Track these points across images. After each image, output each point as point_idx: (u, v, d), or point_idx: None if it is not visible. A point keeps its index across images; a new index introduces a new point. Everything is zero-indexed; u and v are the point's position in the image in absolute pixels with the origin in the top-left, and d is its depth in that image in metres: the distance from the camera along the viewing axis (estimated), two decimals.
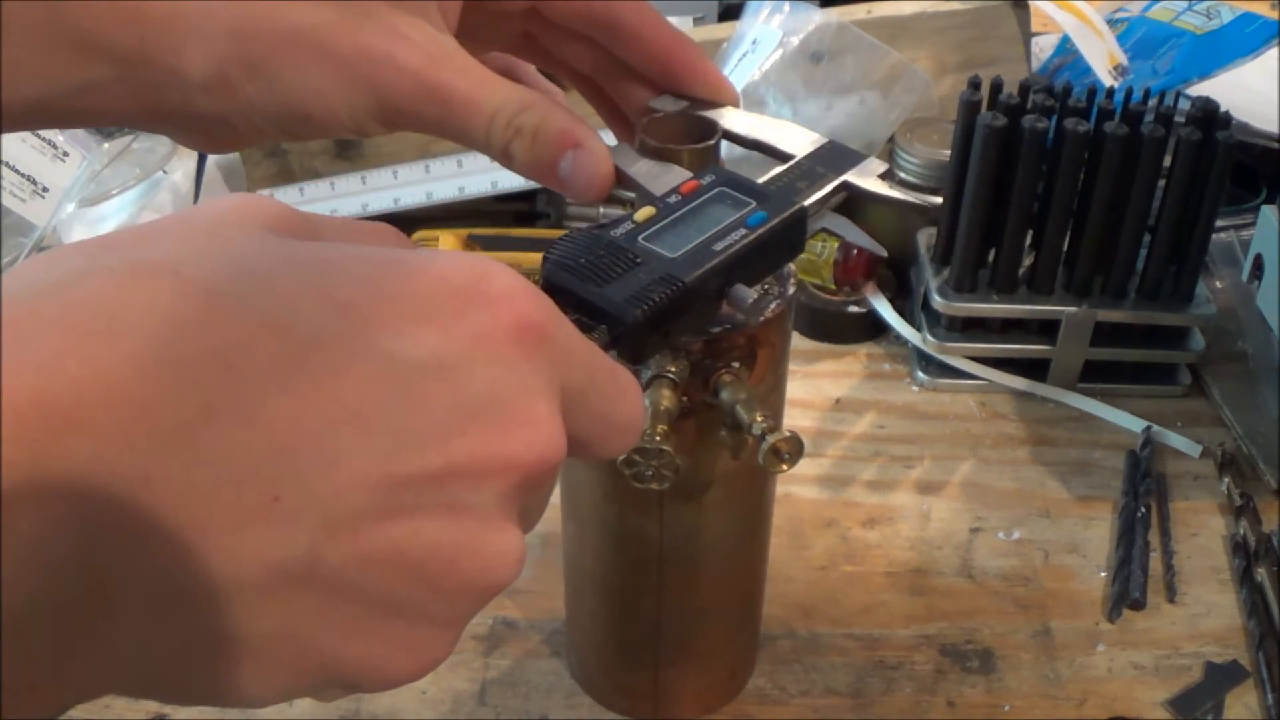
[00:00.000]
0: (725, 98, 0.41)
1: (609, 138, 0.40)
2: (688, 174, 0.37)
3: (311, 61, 0.34)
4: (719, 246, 0.33)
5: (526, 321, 0.26)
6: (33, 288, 0.22)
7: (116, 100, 0.35)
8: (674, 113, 0.41)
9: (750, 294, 0.34)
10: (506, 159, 0.36)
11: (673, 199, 0.35)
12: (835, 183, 0.38)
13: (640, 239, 0.33)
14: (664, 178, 0.37)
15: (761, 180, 0.38)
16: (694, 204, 0.35)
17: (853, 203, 0.84)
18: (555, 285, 0.31)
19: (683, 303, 0.32)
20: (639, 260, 0.32)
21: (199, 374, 0.21)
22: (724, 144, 0.41)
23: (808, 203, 0.37)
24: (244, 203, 0.26)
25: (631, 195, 0.37)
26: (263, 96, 0.34)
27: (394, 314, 0.24)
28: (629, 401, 0.29)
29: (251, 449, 0.22)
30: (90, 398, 0.20)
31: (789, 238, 0.36)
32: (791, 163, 0.39)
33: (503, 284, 0.26)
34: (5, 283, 0.22)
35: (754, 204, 0.35)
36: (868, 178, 0.39)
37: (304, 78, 0.34)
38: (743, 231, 0.34)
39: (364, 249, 0.26)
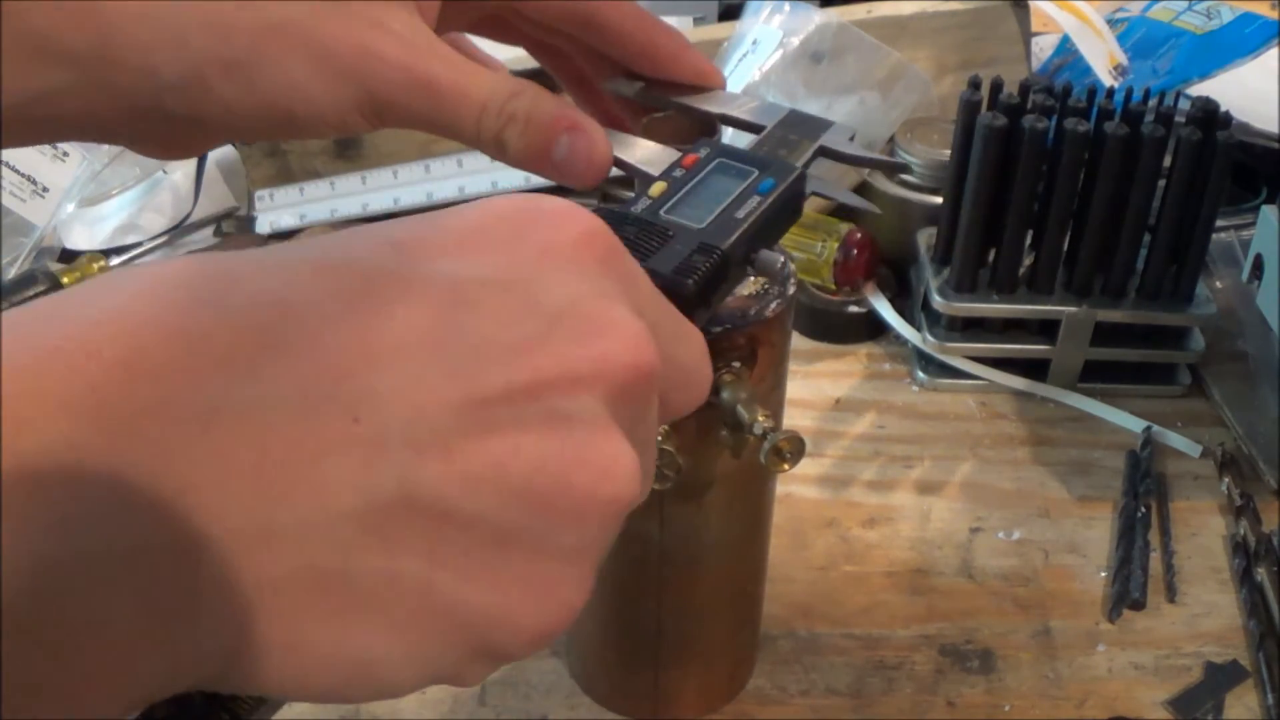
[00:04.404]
0: (713, 82, 0.41)
1: None
2: (678, 153, 0.38)
3: (294, 56, 0.33)
4: (741, 214, 0.34)
5: (591, 231, 0.25)
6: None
7: (78, 107, 0.33)
8: (673, 114, 0.41)
9: (778, 257, 0.35)
10: (499, 149, 0.35)
11: (678, 173, 0.36)
12: (814, 148, 0.40)
13: (662, 213, 0.34)
14: (660, 159, 0.38)
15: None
16: (700, 176, 0.36)
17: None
18: None
19: (723, 270, 0.33)
20: (670, 233, 0.33)
21: (254, 315, 0.21)
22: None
23: (801, 165, 0.38)
24: None
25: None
26: (242, 95, 0.33)
27: (451, 243, 0.24)
28: (696, 346, 0.28)
29: (321, 376, 0.21)
30: (146, 344, 0.20)
31: (794, 202, 0.37)
32: (765, 132, 0.40)
33: (558, 203, 0.25)
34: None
35: (756, 172, 0.36)
36: (840, 141, 0.40)
37: (286, 73, 0.33)
38: (758, 198, 0.35)
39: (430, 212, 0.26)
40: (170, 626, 0.20)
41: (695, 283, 0.31)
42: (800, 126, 0.41)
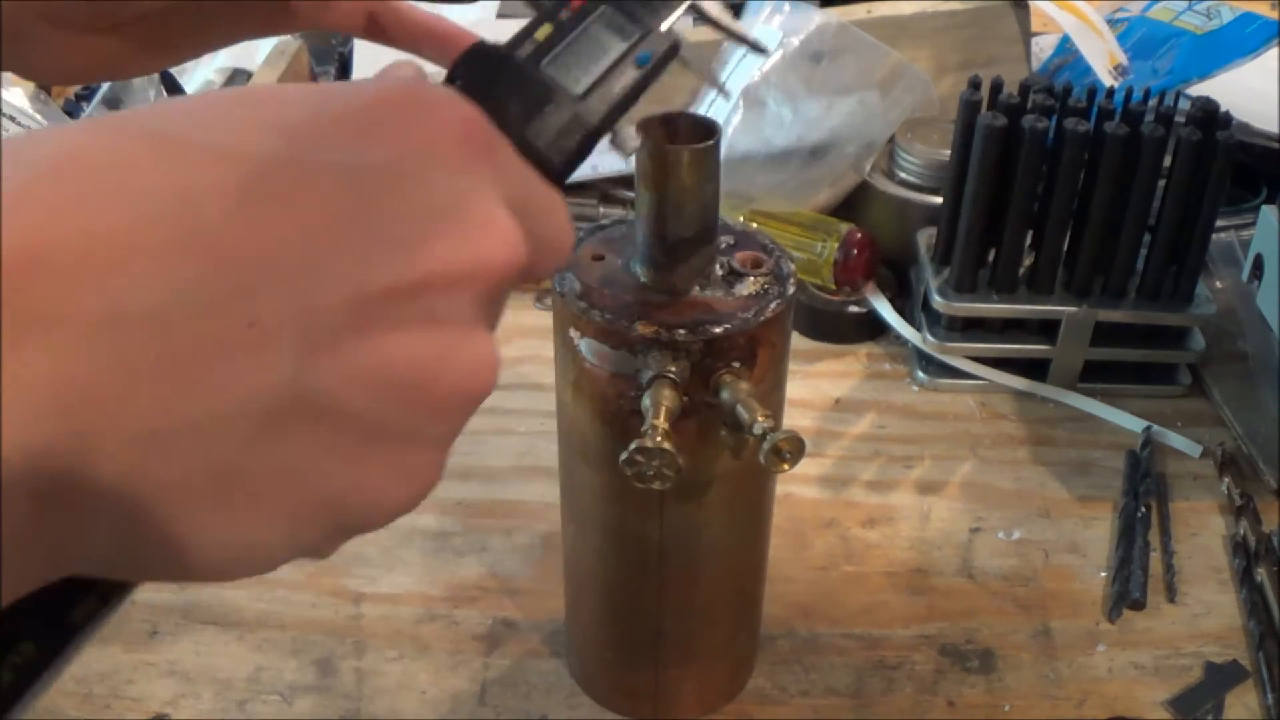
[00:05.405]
0: None
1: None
2: None
3: None
4: (617, 86, 0.34)
5: (471, 126, 0.26)
6: None
7: None
8: (674, 113, 0.41)
9: (635, 136, 0.35)
10: None
11: (564, 15, 0.35)
12: (686, 4, 0.38)
13: (544, 64, 0.34)
14: None
15: None
16: (585, 24, 0.35)
17: (853, 203, 0.84)
18: None
19: (590, 145, 0.33)
20: (549, 95, 0.33)
21: (155, 207, 0.21)
22: None
23: (665, 28, 0.37)
24: None
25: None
26: None
27: (340, 131, 0.24)
28: (561, 218, 0.30)
29: (219, 277, 0.21)
30: (47, 239, 0.20)
31: (660, 72, 0.37)
32: None
33: (441, 93, 0.26)
34: None
35: (639, 34, 0.36)
36: (712, 3, 0.39)
37: None
38: (634, 70, 0.35)
39: (296, 84, 0.26)
40: (59, 527, 0.20)
41: (563, 161, 0.32)
42: None
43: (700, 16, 0.39)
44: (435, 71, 0.41)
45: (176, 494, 0.21)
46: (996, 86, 0.68)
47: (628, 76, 0.34)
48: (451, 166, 0.25)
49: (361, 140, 0.24)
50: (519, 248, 0.26)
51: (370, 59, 1.01)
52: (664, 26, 0.37)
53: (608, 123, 0.34)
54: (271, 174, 0.23)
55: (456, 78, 0.32)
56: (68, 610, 0.24)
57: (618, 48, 0.35)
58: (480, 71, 0.33)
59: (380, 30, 0.41)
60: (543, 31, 0.34)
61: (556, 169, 0.32)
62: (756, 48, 0.41)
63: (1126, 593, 0.59)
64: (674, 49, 0.36)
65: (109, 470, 0.20)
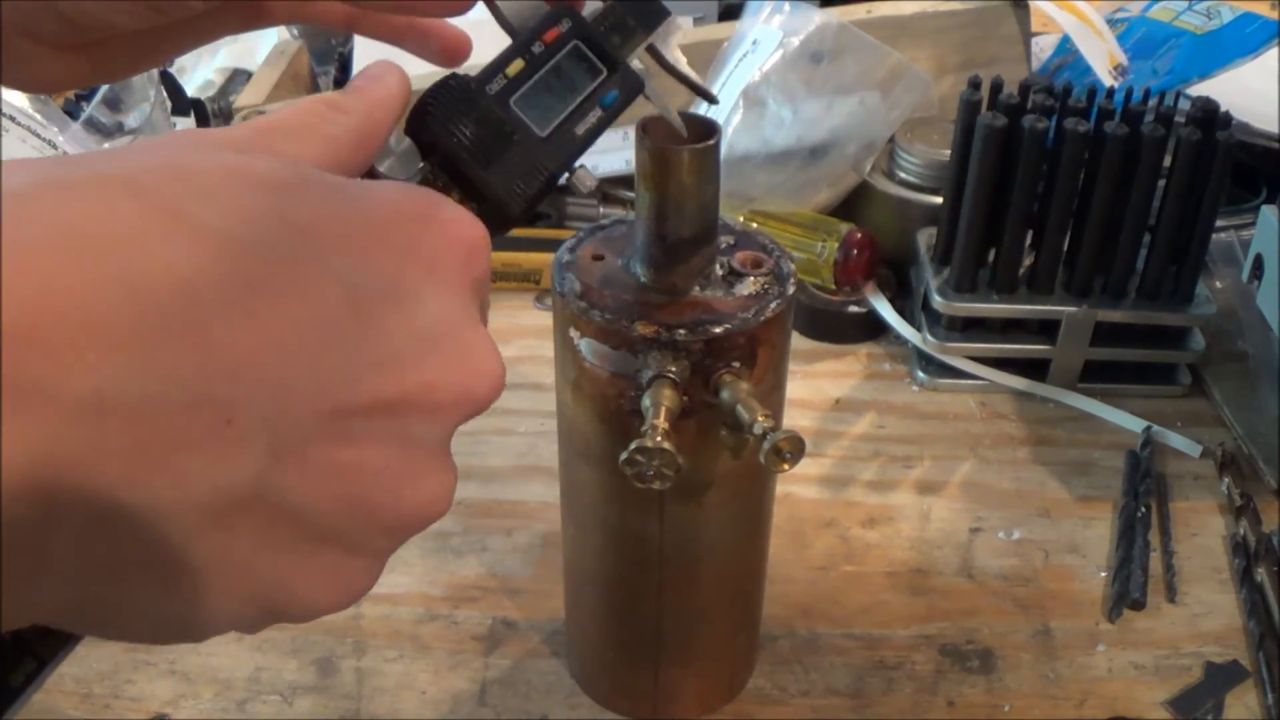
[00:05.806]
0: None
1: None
2: (544, 4, 0.37)
3: None
4: (580, 130, 0.35)
5: (475, 249, 0.27)
6: None
7: None
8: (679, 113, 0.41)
9: (593, 180, 0.36)
10: None
11: (537, 48, 0.35)
12: (645, 43, 0.38)
13: (512, 102, 0.34)
14: (523, 12, 0.37)
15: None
16: (555, 59, 0.35)
17: (853, 203, 0.84)
18: (446, 155, 0.32)
19: (548, 190, 0.34)
20: (515, 137, 0.33)
21: (156, 293, 0.21)
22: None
23: (631, 64, 0.37)
24: (208, 130, 0.27)
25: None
26: None
27: (351, 239, 0.24)
28: (487, 309, 0.31)
29: (206, 372, 0.21)
30: (46, 314, 0.20)
31: (622, 111, 0.37)
32: (608, 4, 0.38)
33: (451, 212, 0.27)
34: None
35: (604, 74, 0.36)
36: (671, 48, 0.39)
37: None
38: (599, 112, 0.35)
39: (316, 173, 0.26)
40: (14, 579, 0.21)
41: (522, 207, 0.33)
42: (638, 11, 0.38)
43: (656, 59, 0.39)
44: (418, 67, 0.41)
45: (118, 568, 0.22)
46: (996, 86, 0.68)
47: (591, 118, 0.35)
48: (449, 289, 0.26)
49: (369, 251, 0.25)
50: (500, 379, 0.27)
51: (370, 60, 1.01)
52: (631, 57, 0.37)
53: (568, 166, 0.34)
54: (276, 274, 0.23)
55: (426, 110, 0.32)
56: (7, 675, 0.25)
57: (585, 86, 0.35)
58: (449, 106, 0.33)
59: (361, 24, 0.41)
60: (514, 67, 0.35)
61: (514, 214, 0.32)
62: (707, 97, 0.41)
63: (1126, 593, 0.59)
64: (638, 88, 0.37)
65: (60, 544, 0.21)
